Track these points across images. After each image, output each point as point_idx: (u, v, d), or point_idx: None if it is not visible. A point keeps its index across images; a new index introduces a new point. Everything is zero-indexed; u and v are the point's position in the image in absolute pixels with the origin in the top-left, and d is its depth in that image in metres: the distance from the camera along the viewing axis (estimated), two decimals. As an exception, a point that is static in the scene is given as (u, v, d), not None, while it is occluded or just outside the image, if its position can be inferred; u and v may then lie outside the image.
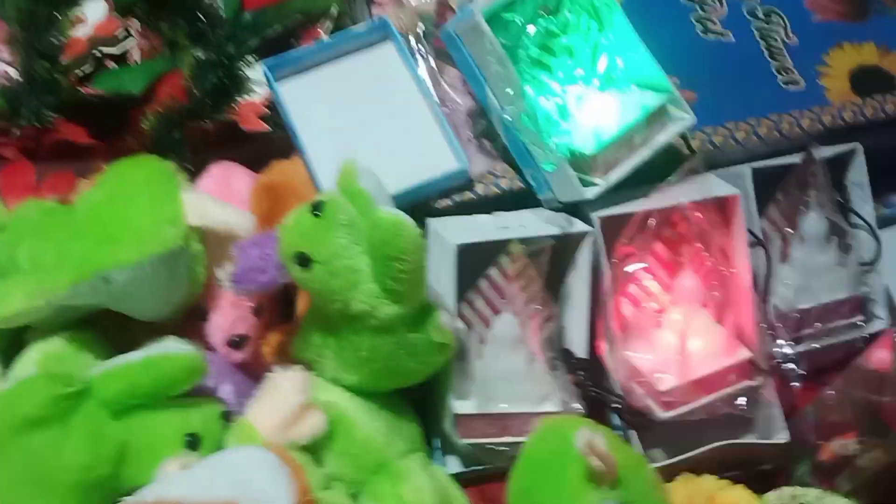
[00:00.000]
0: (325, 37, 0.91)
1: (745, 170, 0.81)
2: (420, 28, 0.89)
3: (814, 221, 0.82)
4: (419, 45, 0.88)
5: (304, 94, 0.84)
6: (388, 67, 0.85)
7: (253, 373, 0.76)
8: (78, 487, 0.65)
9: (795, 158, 0.83)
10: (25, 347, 0.74)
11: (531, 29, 0.74)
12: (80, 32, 0.91)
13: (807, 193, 0.82)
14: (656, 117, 0.77)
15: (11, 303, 0.71)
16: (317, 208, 0.66)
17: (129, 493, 0.61)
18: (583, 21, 0.75)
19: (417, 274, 0.66)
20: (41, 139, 0.88)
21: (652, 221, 0.75)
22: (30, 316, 0.72)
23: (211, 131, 0.88)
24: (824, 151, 0.83)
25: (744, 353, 0.76)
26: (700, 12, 0.93)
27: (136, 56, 0.92)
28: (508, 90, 0.72)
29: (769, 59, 0.91)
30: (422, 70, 0.86)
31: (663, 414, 0.73)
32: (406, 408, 0.75)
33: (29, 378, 0.68)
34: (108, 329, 0.78)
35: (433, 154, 0.81)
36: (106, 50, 0.91)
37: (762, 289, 0.81)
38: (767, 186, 0.83)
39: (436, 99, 0.84)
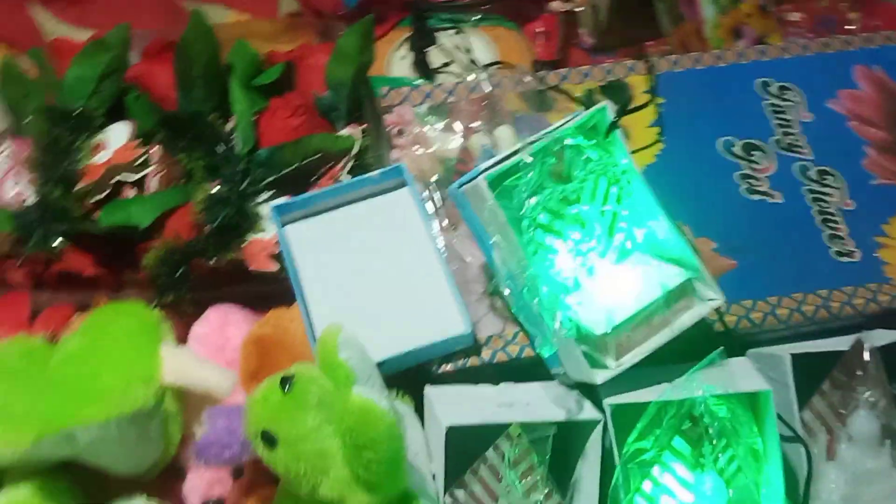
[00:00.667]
0: (344, 176, 0.87)
1: (785, 356, 0.72)
2: (438, 175, 0.84)
3: (864, 421, 0.72)
4: (435, 193, 0.83)
5: (310, 239, 0.80)
6: (401, 216, 0.81)
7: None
8: None
9: (845, 344, 0.74)
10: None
11: (540, 196, 0.67)
12: (100, 157, 0.90)
13: (856, 388, 0.72)
14: (681, 294, 0.70)
15: (-25, 449, 0.67)
16: (286, 383, 0.61)
17: None
18: (599, 188, 0.69)
19: (392, 464, 0.60)
20: (47, 267, 0.86)
21: (670, 414, 0.66)
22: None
23: (218, 268, 0.84)
24: (878, 337, 0.74)
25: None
26: (746, 169, 0.86)
27: (153, 185, 0.89)
28: (511, 261, 0.66)
29: (821, 225, 0.83)
30: (436, 220, 0.81)
31: None
32: None
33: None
34: (84, 478, 0.73)
35: (438, 314, 0.75)
36: (123, 177, 0.88)
37: (802, 492, 0.71)
38: (812, 373, 0.74)
39: (445, 254, 0.78)
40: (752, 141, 0.87)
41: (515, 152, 0.66)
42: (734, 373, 0.69)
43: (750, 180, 0.85)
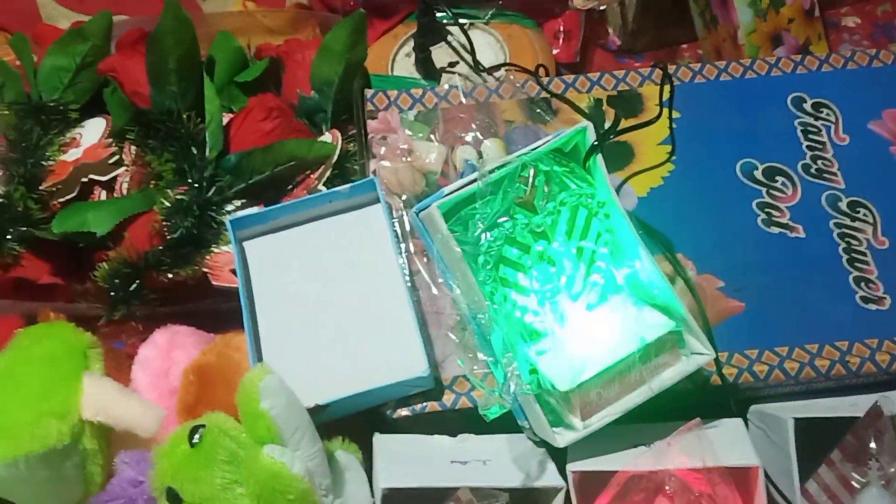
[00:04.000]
0: (321, 186, 0.80)
1: (787, 419, 0.62)
2: (418, 190, 0.76)
3: (876, 500, 0.62)
4: (406, 211, 0.75)
5: (269, 258, 0.74)
6: (368, 237, 0.73)
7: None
8: None
9: (861, 408, 0.64)
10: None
11: (503, 228, 0.59)
12: (71, 155, 0.84)
13: (869, 461, 0.62)
14: (662, 347, 0.60)
15: None
16: (195, 435, 0.54)
17: None
18: (576, 221, 0.60)
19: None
20: (5, 272, 0.81)
21: (640, 485, 0.58)
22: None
23: (177, 283, 0.78)
24: (901, 403, 0.64)
25: None
26: (766, 197, 0.76)
27: (124, 187, 0.84)
28: (469, 300, 0.58)
29: (848, 266, 0.72)
30: (406, 242, 0.73)
31: None
32: None
33: None
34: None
35: (396, 351, 0.67)
36: (93, 177, 0.83)
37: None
38: (820, 438, 0.64)
39: (411, 282, 0.70)
40: (777, 165, 0.77)
41: (475, 179, 0.58)
42: (720, 440, 0.59)
43: (770, 210, 0.75)
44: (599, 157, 0.60)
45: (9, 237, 0.79)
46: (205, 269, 0.77)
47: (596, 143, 0.58)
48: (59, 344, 0.65)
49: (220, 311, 0.78)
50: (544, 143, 0.60)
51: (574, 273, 0.60)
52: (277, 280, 0.72)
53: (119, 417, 0.62)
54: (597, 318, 0.60)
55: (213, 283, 0.77)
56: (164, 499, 0.55)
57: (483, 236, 0.57)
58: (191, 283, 0.78)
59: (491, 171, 0.56)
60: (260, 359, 0.68)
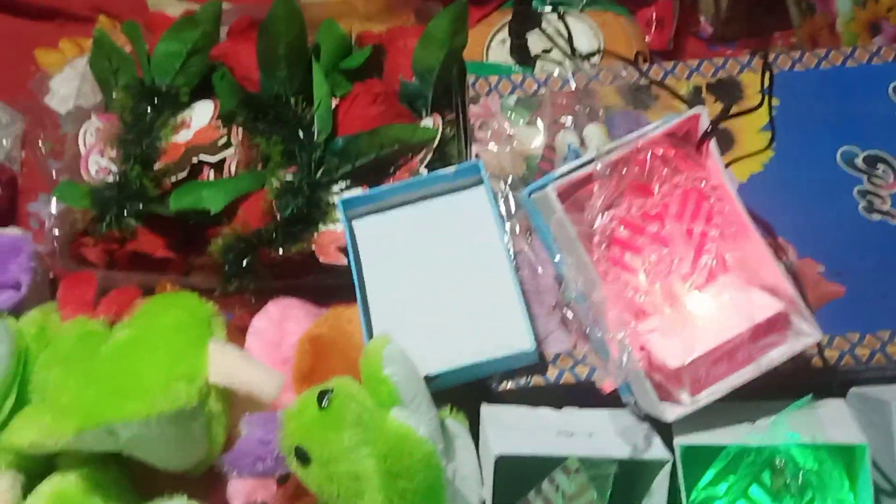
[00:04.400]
0: (422, 169, 0.83)
1: (891, 402, 0.63)
2: (519, 174, 0.78)
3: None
4: (511, 194, 0.77)
5: (377, 236, 0.77)
6: (473, 217, 0.76)
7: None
8: None
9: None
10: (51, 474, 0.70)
11: (617, 209, 0.61)
12: (182, 136, 0.88)
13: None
14: (771, 327, 0.62)
15: (25, 435, 0.67)
16: (323, 398, 0.57)
17: None
18: (689, 204, 0.62)
19: (428, 494, 0.56)
20: (122, 246, 0.85)
21: (748, 460, 0.59)
22: (47, 449, 0.68)
23: (286, 258, 0.81)
24: None
25: None
26: (867, 185, 0.76)
27: (233, 168, 0.87)
28: (580, 279, 0.60)
29: (950, 254, 0.73)
30: (509, 223, 0.75)
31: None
32: None
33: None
34: (133, 469, 0.72)
35: (502, 327, 0.70)
36: (203, 157, 0.87)
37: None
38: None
39: (515, 261, 0.72)
40: (878, 153, 0.77)
41: (591, 160, 0.60)
42: (827, 419, 0.61)
43: (871, 197, 0.76)
44: (713, 141, 0.62)
45: (126, 213, 0.83)
46: (312, 246, 0.80)
47: (709, 128, 0.60)
48: (185, 312, 0.68)
49: (325, 286, 0.81)
50: (656, 128, 0.61)
51: (685, 254, 0.61)
52: (386, 257, 0.75)
53: (243, 382, 0.65)
54: (706, 298, 0.62)
55: (320, 259, 0.80)
56: (292, 457, 0.58)
57: (599, 217, 0.59)
58: (298, 260, 0.81)
59: (608, 153, 0.58)
60: (371, 331, 0.71)
